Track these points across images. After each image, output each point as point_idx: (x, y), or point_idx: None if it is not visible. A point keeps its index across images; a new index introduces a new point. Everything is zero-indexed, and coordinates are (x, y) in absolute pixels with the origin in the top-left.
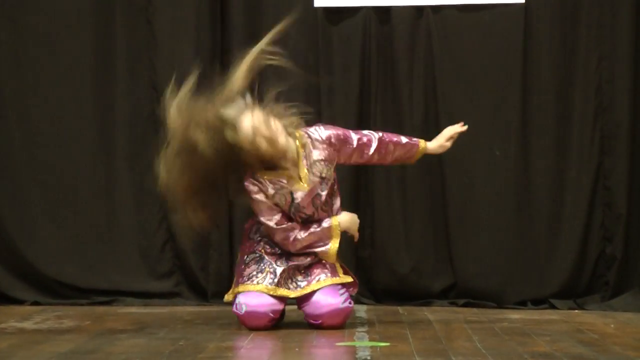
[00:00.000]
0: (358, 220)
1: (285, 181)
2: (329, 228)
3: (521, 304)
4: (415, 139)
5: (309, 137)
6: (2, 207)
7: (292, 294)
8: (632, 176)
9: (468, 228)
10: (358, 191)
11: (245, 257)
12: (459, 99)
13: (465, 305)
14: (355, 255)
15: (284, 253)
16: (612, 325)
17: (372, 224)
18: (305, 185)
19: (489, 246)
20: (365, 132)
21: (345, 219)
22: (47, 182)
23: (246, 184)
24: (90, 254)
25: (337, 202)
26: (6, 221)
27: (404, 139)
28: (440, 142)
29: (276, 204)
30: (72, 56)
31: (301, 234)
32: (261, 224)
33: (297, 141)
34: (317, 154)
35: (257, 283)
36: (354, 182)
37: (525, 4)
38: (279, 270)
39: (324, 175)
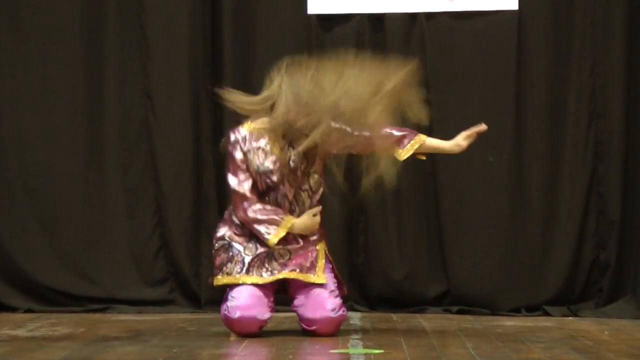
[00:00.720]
0: (316, 226)
1: (266, 140)
2: (280, 220)
3: (515, 310)
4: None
5: None
6: None
7: (264, 280)
8: (625, 182)
9: (462, 235)
10: (352, 198)
11: (215, 243)
12: (453, 105)
13: (459, 312)
14: (349, 262)
15: (252, 236)
16: (606, 332)
17: (365, 231)
18: (281, 151)
19: (483, 253)
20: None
21: (301, 222)
22: (39, 189)
23: (230, 133)
24: (83, 262)
25: (319, 192)
26: None
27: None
28: (457, 140)
29: (247, 168)
30: (63, 62)
31: (254, 206)
32: (228, 186)
33: None
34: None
35: (227, 273)
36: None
37: (518, 11)
38: (247, 258)
39: (303, 149)
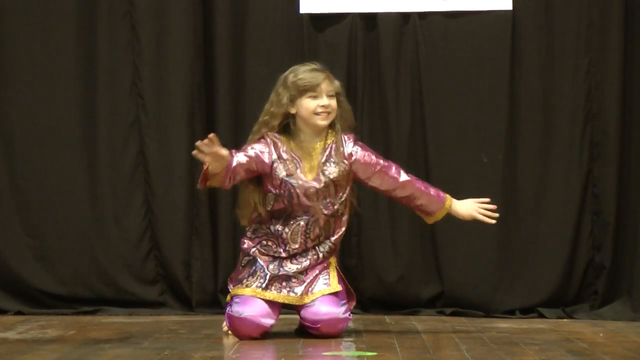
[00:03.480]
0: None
1: (299, 156)
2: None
3: (509, 313)
4: (442, 194)
5: (342, 141)
6: None
7: (283, 298)
8: (621, 184)
9: (455, 236)
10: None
11: (243, 257)
12: (446, 105)
13: (453, 314)
14: (341, 264)
15: (276, 258)
16: (602, 334)
17: (358, 233)
18: (313, 174)
19: (477, 255)
20: (395, 166)
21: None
22: (29, 191)
23: (265, 136)
24: (73, 263)
25: (344, 216)
26: None
27: (431, 189)
28: (471, 212)
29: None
30: (53, 61)
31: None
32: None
33: (331, 134)
34: (335, 159)
35: (247, 286)
36: None
37: (512, 10)
38: (269, 275)
39: (334, 178)
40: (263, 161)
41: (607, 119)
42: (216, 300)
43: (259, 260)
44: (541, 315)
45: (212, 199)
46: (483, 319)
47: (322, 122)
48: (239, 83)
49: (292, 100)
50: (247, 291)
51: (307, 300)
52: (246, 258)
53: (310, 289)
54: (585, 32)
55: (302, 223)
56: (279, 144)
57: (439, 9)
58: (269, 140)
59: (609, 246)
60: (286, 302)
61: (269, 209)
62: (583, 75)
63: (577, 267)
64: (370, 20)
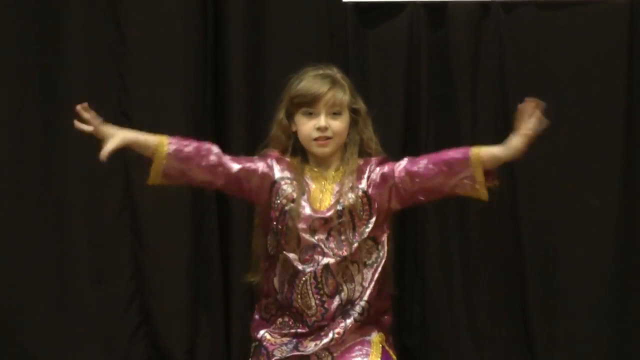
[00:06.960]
0: None
1: (310, 181)
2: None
3: None
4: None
5: (365, 164)
6: None
7: None
8: None
9: (554, 307)
10: (404, 255)
11: (252, 346)
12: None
13: None
14: (399, 343)
15: (295, 336)
16: None
17: (422, 300)
18: (325, 203)
19: (584, 332)
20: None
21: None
22: None
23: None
24: (31, 343)
25: (376, 263)
26: None
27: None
28: (513, 143)
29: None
30: (7, 69)
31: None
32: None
33: (349, 162)
34: (351, 186)
35: None
36: (398, 241)
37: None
38: None
39: (349, 205)
40: (259, 175)
41: None
42: None
43: (264, 345)
44: None
45: (226, 252)
46: None
47: (320, 150)
48: (256, 99)
49: (290, 117)
50: None
51: None
52: (254, 344)
53: None
54: None
55: (308, 276)
56: (286, 164)
57: None
58: (269, 160)
59: None
60: None
61: (272, 253)
62: None
63: None
64: (437, 12)
